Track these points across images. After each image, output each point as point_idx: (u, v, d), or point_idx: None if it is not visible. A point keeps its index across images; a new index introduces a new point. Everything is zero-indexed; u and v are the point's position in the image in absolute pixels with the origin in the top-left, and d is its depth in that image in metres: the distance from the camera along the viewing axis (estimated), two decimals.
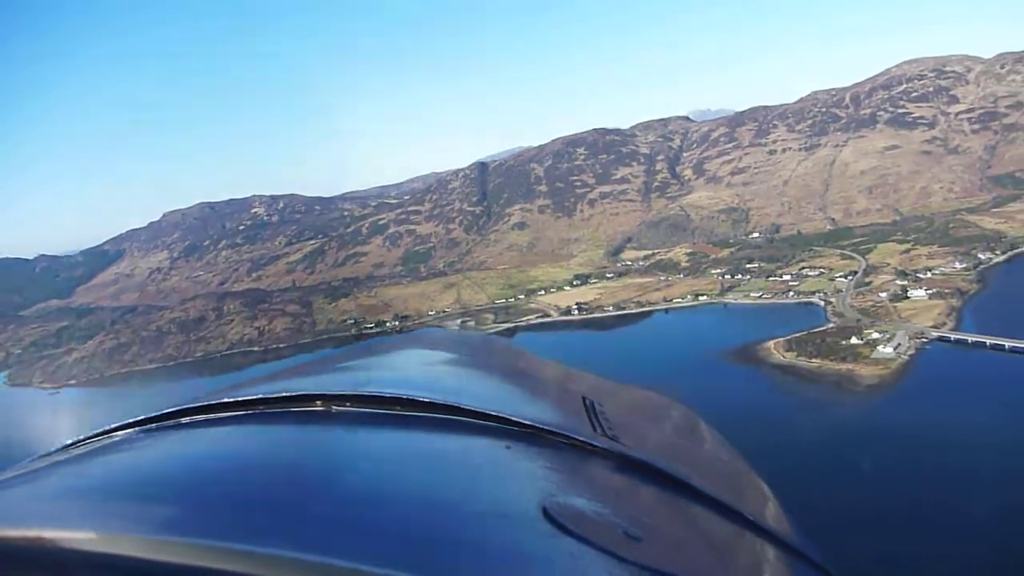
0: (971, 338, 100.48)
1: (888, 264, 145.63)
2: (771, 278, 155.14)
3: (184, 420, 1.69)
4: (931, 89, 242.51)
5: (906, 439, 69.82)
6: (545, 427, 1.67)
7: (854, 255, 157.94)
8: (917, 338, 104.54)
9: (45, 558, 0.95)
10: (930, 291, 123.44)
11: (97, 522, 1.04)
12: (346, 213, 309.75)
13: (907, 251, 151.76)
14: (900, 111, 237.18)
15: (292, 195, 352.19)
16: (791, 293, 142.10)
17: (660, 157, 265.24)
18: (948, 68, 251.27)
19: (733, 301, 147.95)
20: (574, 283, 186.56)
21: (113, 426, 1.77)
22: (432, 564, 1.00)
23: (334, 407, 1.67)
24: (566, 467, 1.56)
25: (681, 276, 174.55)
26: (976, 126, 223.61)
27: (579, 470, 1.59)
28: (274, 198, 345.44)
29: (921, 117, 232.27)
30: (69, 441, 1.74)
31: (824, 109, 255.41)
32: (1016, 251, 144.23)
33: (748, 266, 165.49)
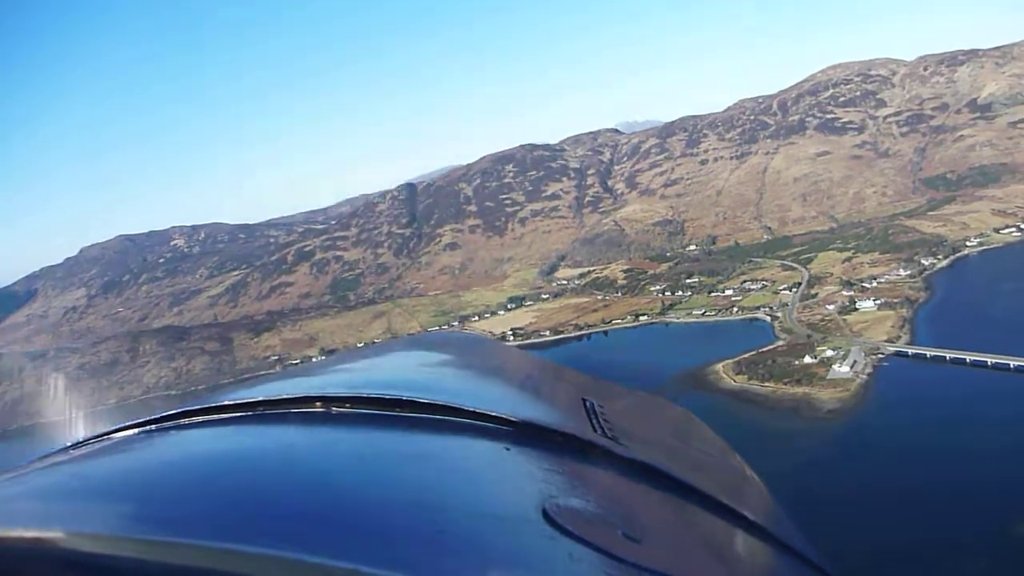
0: (930, 352, 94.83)
1: (831, 274, 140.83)
2: (713, 293, 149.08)
3: (184, 422, 1.70)
4: (858, 93, 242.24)
5: (882, 476, 63.11)
6: (545, 428, 1.68)
7: (795, 265, 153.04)
8: (873, 354, 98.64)
9: (46, 559, 0.95)
10: (878, 301, 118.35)
11: (98, 523, 1.04)
12: (271, 240, 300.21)
13: (849, 259, 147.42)
14: (828, 116, 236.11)
15: (215, 224, 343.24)
16: (735, 309, 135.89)
17: (591, 171, 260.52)
18: (873, 72, 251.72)
19: (675, 320, 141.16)
20: (509, 307, 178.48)
21: (114, 428, 1.77)
22: (432, 565, 1.00)
23: (334, 408, 1.67)
24: (566, 468, 1.56)
25: (619, 295, 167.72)
26: (904, 129, 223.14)
27: (579, 471, 1.60)
28: (195, 228, 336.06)
29: (850, 122, 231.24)
30: (70, 442, 1.75)
31: (753, 117, 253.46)
32: (958, 255, 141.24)
33: (688, 281, 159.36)
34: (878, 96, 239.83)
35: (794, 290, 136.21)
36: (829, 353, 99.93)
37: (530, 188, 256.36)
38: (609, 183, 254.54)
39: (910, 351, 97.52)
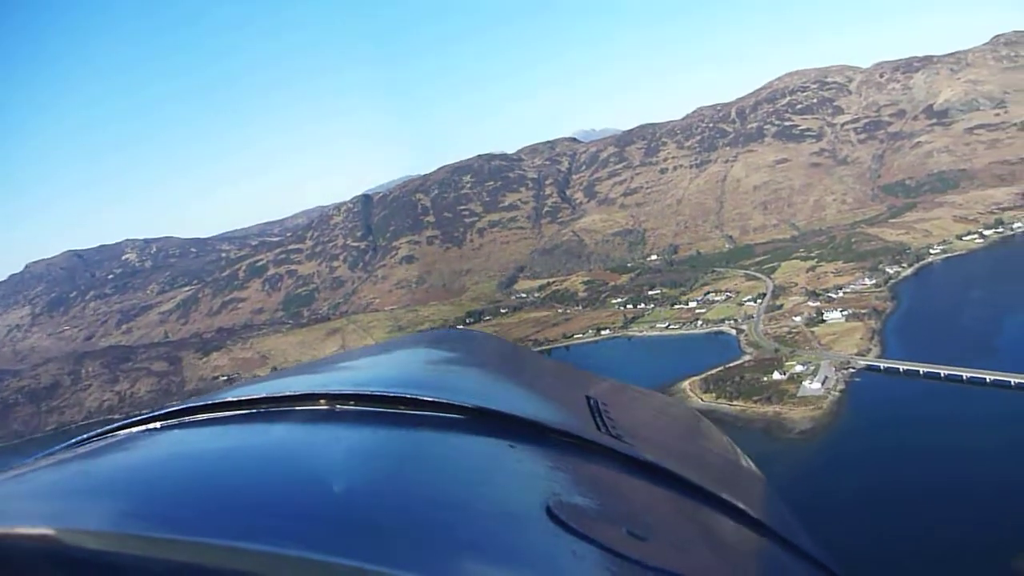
0: (902, 366, 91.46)
1: (796, 284, 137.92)
2: (676, 306, 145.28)
3: (188, 419, 1.70)
4: (815, 100, 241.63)
5: (863, 505, 59.01)
6: (549, 426, 1.68)
7: (759, 275, 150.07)
8: (844, 369, 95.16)
9: (50, 556, 0.95)
10: (846, 312, 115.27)
11: (101, 520, 1.04)
12: (224, 255, 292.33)
13: (813, 268, 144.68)
14: (787, 123, 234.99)
15: (167, 238, 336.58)
16: (699, 322, 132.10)
17: (549, 181, 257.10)
18: (829, 79, 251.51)
19: (638, 334, 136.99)
20: (467, 321, 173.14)
21: (117, 424, 1.78)
22: (436, 563, 1.00)
23: (338, 406, 1.67)
24: (570, 466, 1.56)
25: (580, 308, 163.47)
26: (862, 136, 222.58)
27: (584, 469, 1.60)
28: (147, 242, 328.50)
29: (808, 129, 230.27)
30: (73, 440, 1.76)
31: (711, 125, 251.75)
32: (922, 263, 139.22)
33: (650, 293, 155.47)
34: (835, 103, 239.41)
35: (759, 301, 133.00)
36: (798, 368, 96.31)
37: (488, 198, 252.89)
38: (567, 193, 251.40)
39: (882, 365, 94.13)
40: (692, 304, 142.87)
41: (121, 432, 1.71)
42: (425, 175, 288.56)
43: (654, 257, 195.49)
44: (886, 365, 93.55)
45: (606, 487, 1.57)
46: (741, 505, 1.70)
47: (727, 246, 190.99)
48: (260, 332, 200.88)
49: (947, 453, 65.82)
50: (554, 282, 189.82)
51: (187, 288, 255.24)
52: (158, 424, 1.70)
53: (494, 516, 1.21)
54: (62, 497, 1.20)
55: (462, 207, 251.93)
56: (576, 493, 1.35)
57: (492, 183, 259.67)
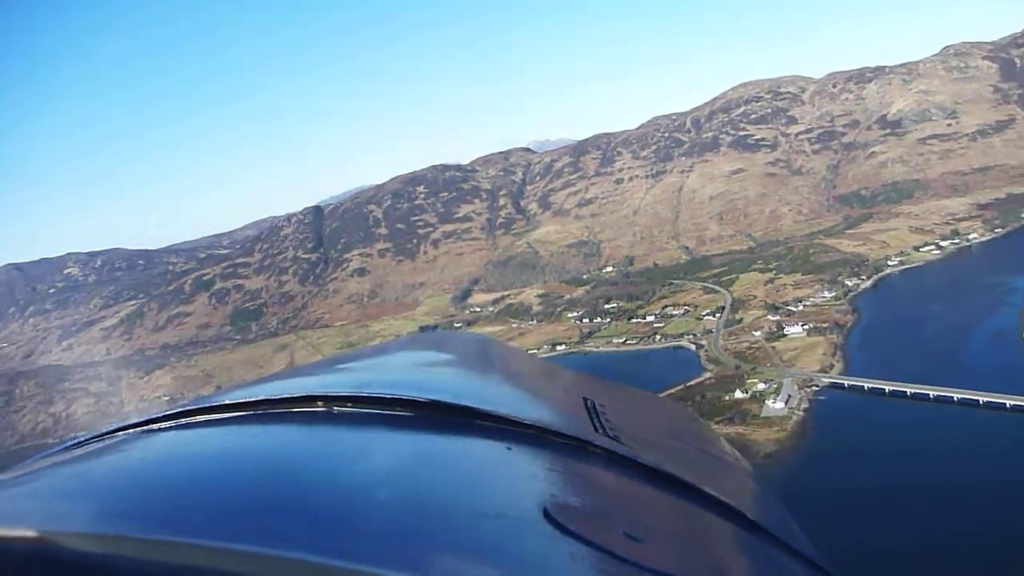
0: (867, 384, 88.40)
1: (755, 296, 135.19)
2: (633, 320, 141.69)
3: (186, 421, 1.70)
4: (769, 110, 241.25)
5: (831, 551, 55.27)
6: (547, 428, 1.68)
7: (717, 288, 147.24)
8: (807, 387, 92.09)
9: (47, 558, 0.94)
10: (807, 326, 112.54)
11: (99, 523, 1.04)
12: (170, 268, 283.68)
13: (771, 281, 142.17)
14: (742, 133, 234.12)
15: (113, 250, 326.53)
16: (658, 337, 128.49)
17: (503, 192, 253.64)
18: (783, 89, 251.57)
19: (595, 349, 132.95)
20: None
21: (116, 427, 1.77)
22: (434, 565, 1.00)
23: (336, 408, 1.67)
24: (568, 468, 1.56)
25: (535, 322, 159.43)
26: (816, 146, 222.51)
27: (581, 471, 1.60)
28: (92, 255, 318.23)
29: (763, 139, 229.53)
30: (71, 441, 1.75)
31: (667, 134, 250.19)
32: (881, 275, 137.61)
33: (607, 307, 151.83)
34: (789, 113, 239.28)
35: (718, 315, 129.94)
36: (761, 387, 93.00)
37: (442, 209, 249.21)
38: (522, 204, 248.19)
39: (846, 383, 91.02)
40: (650, 318, 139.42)
41: (119, 434, 1.71)
42: (378, 185, 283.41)
43: (610, 269, 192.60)
44: (850, 383, 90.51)
45: (603, 489, 1.58)
46: (738, 507, 1.70)
47: (684, 257, 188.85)
48: (205, 349, 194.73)
49: (921, 486, 62.19)
50: (509, 295, 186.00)
51: (132, 303, 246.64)
52: (155, 426, 1.70)
53: (491, 518, 1.21)
54: (58, 499, 1.20)
55: (415, 218, 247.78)
56: (573, 495, 1.36)
57: (446, 194, 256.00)
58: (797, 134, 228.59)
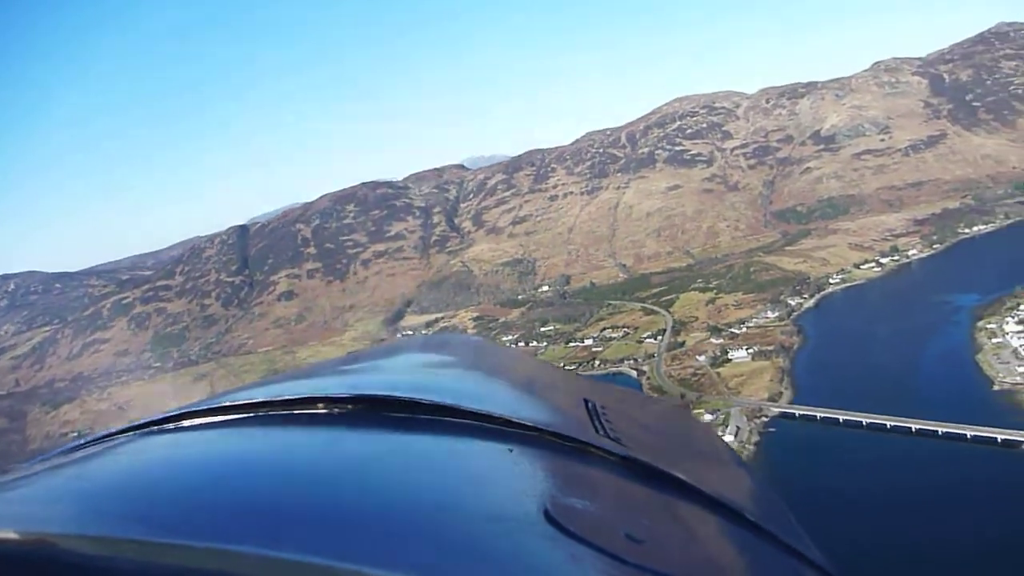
0: (820, 413, 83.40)
1: (696, 318, 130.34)
2: (571, 343, 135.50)
3: (186, 423, 1.70)
4: (704, 125, 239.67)
5: None
6: (548, 429, 1.68)
7: (657, 308, 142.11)
8: (756, 417, 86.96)
9: (47, 561, 0.95)
10: (752, 350, 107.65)
11: (100, 525, 1.04)
12: (90, 291, 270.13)
13: (712, 300, 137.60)
14: (677, 148, 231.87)
15: (30, 272, 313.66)
16: (597, 362, 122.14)
17: (436, 209, 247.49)
18: (717, 104, 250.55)
19: None
20: None
21: (115, 429, 1.78)
22: (435, 567, 1.00)
23: (336, 410, 1.67)
24: (569, 469, 1.57)
25: None
26: (752, 161, 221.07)
27: (582, 472, 1.61)
28: (6, 278, 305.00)
29: (699, 154, 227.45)
30: (71, 444, 1.76)
31: (601, 150, 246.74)
32: (823, 293, 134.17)
33: (543, 330, 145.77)
34: (724, 128, 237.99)
35: (659, 338, 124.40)
36: (707, 417, 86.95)
37: (373, 228, 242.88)
38: (456, 221, 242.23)
39: (797, 412, 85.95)
40: (588, 342, 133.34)
41: (118, 437, 1.72)
42: (307, 203, 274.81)
43: (545, 288, 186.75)
44: (801, 412, 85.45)
45: (604, 490, 1.58)
46: (740, 508, 1.70)
47: (621, 276, 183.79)
48: (119, 380, 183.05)
49: (888, 532, 57.22)
50: (443, 318, 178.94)
51: (46, 328, 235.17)
52: (155, 429, 1.71)
53: (492, 520, 1.21)
54: (58, 501, 1.21)
55: (345, 238, 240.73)
56: (574, 496, 1.35)
57: (378, 212, 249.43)
58: (733, 149, 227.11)
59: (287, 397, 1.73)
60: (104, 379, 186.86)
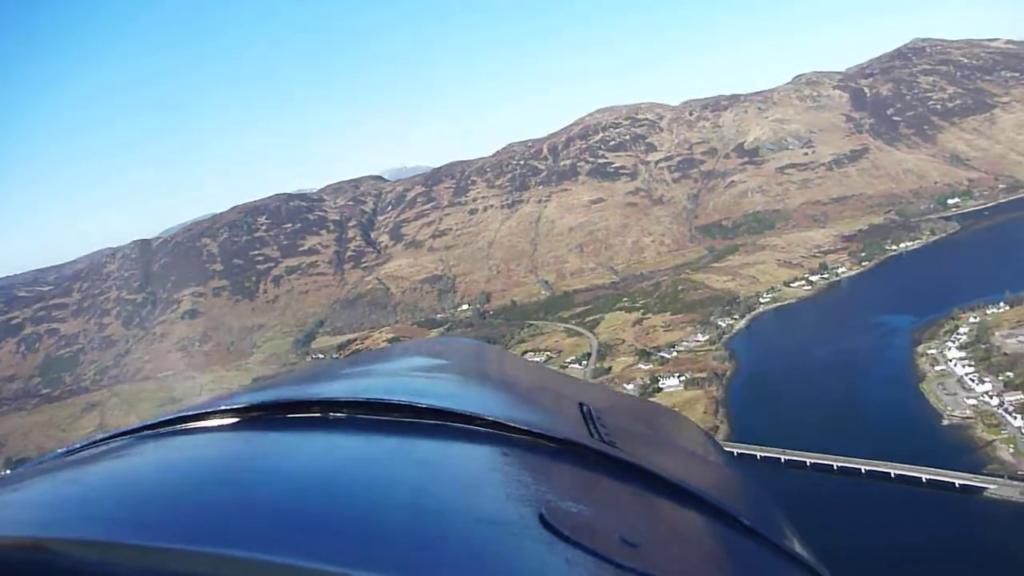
0: (760, 452, 76.80)
1: (623, 340, 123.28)
2: None
3: (181, 427, 1.70)
4: (628, 137, 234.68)
5: None
6: (543, 433, 1.67)
7: (581, 330, 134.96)
8: None
9: (41, 565, 0.93)
10: (683, 377, 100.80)
11: (94, 529, 1.02)
12: None
13: (639, 321, 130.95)
14: (600, 161, 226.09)
15: None
16: None
17: (352, 223, 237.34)
18: (641, 116, 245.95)
19: None
20: None
21: (111, 433, 1.76)
22: (429, 571, 0.99)
23: (331, 414, 1.67)
24: (564, 473, 1.58)
25: None
26: (676, 174, 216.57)
27: (577, 476, 1.61)
28: None
29: (622, 167, 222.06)
30: (64, 449, 1.75)
31: (523, 162, 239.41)
32: (754, 314, 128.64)
33: None
34: (647, 140, 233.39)
35: (584, 363, 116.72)
36: None
37: (285, 242, 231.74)
38: (372, 235, 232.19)
39: (735, 451, 78.90)
40: None
41: (112, 441, 1.71)
42: (214, 216, 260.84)
43: (465, 307, 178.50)
44: (739, 451, 78.18)
45: (599, 494, 1.58)
46: (735, 512, 1.70)
47: (544, 293, 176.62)
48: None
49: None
50: (356, 339, 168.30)
51: None
52: (149, 432, 1.70)
53: (487, 524, 1.19)
54: (53, 505, 1.20)
55: (255, 252, 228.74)
56: (569, 500, 1.33)
57: (290, 225, 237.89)
58: (656, 162, 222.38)
59: (283, 401, 1.74)
60: None
